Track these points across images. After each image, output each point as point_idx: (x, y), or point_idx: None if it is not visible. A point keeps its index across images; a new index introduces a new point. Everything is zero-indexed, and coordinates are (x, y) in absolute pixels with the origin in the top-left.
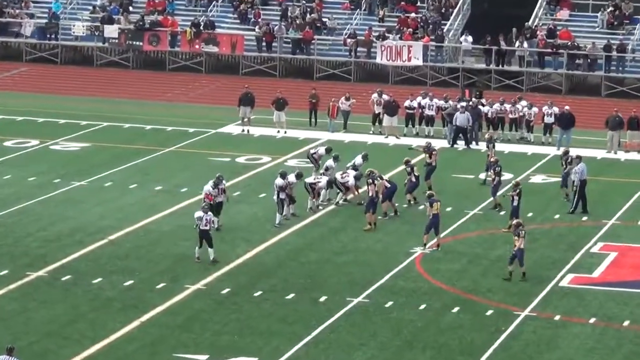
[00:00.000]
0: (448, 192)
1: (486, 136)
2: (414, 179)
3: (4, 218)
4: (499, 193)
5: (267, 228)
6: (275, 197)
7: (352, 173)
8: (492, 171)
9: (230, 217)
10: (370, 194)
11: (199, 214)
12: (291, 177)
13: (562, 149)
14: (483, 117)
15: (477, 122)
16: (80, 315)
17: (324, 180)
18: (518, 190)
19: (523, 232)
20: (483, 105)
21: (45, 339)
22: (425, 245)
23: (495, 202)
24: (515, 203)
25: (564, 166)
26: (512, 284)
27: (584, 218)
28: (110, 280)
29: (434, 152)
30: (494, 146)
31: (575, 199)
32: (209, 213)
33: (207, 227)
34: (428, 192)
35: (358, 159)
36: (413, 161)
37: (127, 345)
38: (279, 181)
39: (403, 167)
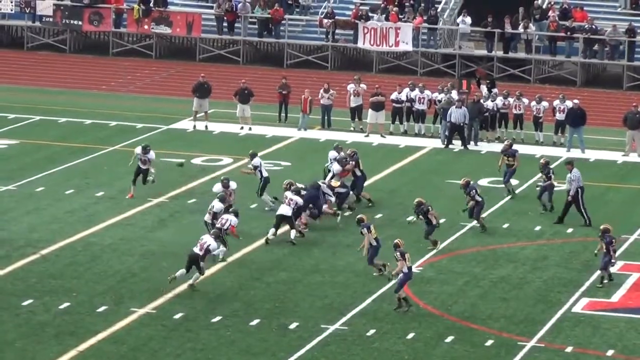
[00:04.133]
0: (442, 200)
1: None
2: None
3: None
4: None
5: (228, 242)
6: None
7: (333, 154)
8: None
9: (184, 230)
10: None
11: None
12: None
13: (542, 160)
14: (489, 113)
15: (479, 118)
16: (6, 343)
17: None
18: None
19: (397, 254)
20: (497, 96)
21: None
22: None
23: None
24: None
25: (544, 179)
26: (517, 308)
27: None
28: (43, 302)
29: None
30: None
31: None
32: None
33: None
34: (358, 217)
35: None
36: None
37: None
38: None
39: (389, 171)
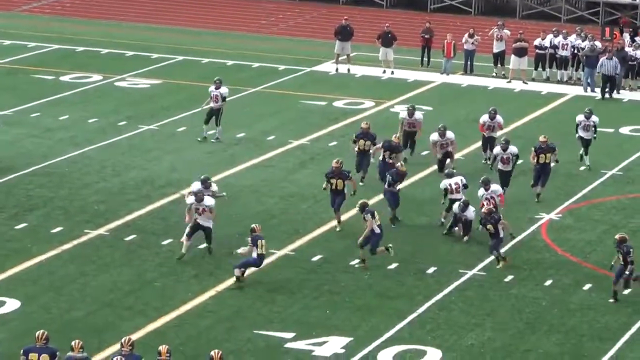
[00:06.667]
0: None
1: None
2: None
3: (58, 166)
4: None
5: (368, 184)
6: None
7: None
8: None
9: (325, 172)
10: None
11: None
12: None
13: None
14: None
15: (623, 67)
16: (146, 282)
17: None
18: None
19: (368, 214)
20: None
21: (104, 309)
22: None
23: None
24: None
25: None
26: None
27: None
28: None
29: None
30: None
31: None
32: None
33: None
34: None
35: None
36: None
37: (200, 319)
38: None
39: (530, 117)
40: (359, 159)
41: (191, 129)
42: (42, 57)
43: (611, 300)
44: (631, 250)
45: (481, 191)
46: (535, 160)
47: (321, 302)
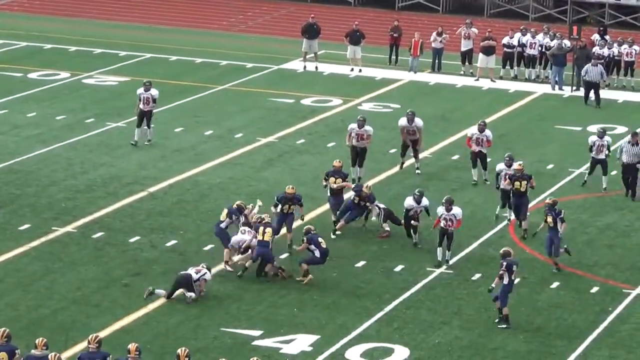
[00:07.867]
0: (550, 146)
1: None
2: None
3: (26, 164)
4: None
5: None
6: None
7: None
8: None
9: (292, 170)
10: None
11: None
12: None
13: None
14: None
15: (586, 64)
16: (113, 279)
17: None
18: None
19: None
20: (613, 43)
21: (72, 307)
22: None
23: None
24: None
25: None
26: (623, 256)
27: None
28: (150, 240)
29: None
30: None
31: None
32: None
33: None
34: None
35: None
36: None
37: (168, 317)
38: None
39: (498, 116)
40: (335, 201)
41: (158, 127)
42: (10, 54)
43: (497, 321)
44: (513, 265)
45: (441, 209)
46: (509, 187)
47: (289, 300)
